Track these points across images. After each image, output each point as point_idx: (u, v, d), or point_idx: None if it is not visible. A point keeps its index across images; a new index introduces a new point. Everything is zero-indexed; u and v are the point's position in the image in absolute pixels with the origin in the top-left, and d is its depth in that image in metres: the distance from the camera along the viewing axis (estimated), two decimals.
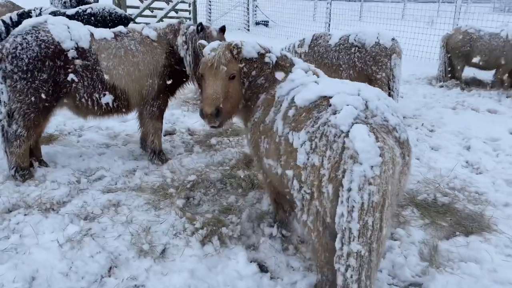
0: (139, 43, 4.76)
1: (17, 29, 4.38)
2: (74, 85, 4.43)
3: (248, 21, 21.26)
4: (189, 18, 21.56)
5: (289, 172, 2.73)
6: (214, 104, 3.38)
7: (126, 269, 3.12)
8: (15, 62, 4.20)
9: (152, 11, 19.25)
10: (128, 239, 3.47)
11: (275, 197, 3.62)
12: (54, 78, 4.33)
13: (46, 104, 4.43)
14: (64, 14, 7.46)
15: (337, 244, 2.44)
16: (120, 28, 4.92)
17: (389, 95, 6.82)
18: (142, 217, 3.78)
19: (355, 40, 7.10)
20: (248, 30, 21.00)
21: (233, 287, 2.97)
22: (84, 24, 7.24)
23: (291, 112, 2.91)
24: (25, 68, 4.21)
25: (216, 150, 5.27)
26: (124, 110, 4.87)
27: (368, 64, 6.91)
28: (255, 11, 22.64)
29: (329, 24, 16.98)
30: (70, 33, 4.42)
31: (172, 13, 20.64)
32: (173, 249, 3.36)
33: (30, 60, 4.21)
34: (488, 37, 9.87)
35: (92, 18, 7.44)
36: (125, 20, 7.70)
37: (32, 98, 4.31)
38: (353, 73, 7.07)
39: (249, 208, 3.85)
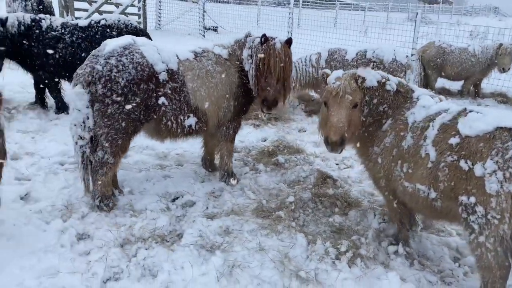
0: (215, 63, 4.69)
1: (105, 51, 4.09)
2: (163, 108, 4.27)
3: (203, 27, 21.10)
4: (139, 23, 20.91)
5: (468, 199, 2.97)
6: (339, 133, 3.54)
7: None
8: (109, 85, 3.95)
9: (101, 15, 18.38)
10: (271, 266, 3.47)
11: (401, 217, 3.84)
12: (146, 101, 4.14)
13: (134, 129, 4.22)
14: (76, 26, 7.00)
15: None
16: (195, 48, 4.80)
17: None
18: (269, 243, 3.78)
19: (373, 56, 7.55)
20: (204, 36, 20.84)
21: None
22: (100, 36, 6.96)
23: (453, 140, 3.15)
24: (120, 91, 3.98)
25: (286, 169, 5.34)
26: (201, 132, 4.77)
27: None
28: (204, 16, 22.51)
29: (291, 33, 17.46)
30: (160, 55, 4.25)
31: None
32: (323, 274, 3.43)
33: (127, 84, 3.99)
34: (459, 52, 10.96)
35: (108, 30, 7.07)
36: (140, 33, 7.40)
37: (123, 124, 4.08)
38: None
39: (373, 229, 4.02)
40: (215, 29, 22.56)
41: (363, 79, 3.69)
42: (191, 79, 4.42)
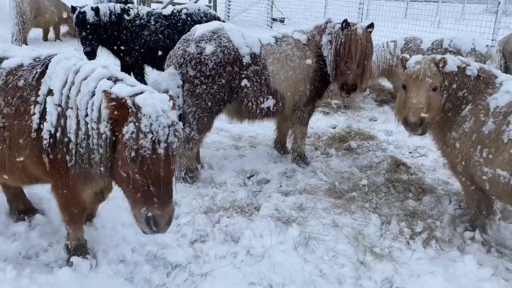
0: (294, 47, 4.86)
1: (195, 35, 4.43)
2: (245, 90, 4.53)
3: (271, 18, 21.30)
4: None
5: None
6: (418, 114, 3.59)
7: (374, 271, 3.28)
8: (198, 67, 4.28)
9: (174, 6, 19.17)
10: (346, 241, 3.63)
11: (478, 203, 3.81)
12: (230, 83, 4.43)
13: (218, 108, 4.53)
14: (160, 14, 7.50)
15: None
16: (275, 33, 5.02)
17: None
18: (343, 220, 3.93)
19: (449, 45, 7.32)
20: (271, 27, 21.00)
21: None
22: (181, 24, 7.37)
23: None
24: (208, 73, 4.29)
25: (358, 154, 5.43)
26: (277, 114, 4.98)
27: None
28: (272, 8, 22.64)
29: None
30: (245, 40, 4.51)
31: None
32: (397, 252, 3.53)
33: (214, 66, 4.29)
34: None
35: (189, 18, 7.49)
36: (218, 20, 7.76)
37: (209, 103, 4.40)
38: None
39: (448, 214, 4.03)
40: (282, 21, 22.65)
41: (445, 64, 3.71)
42: (271, 62, 4.65)
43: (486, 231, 3.84)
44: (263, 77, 4.59)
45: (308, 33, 4.97)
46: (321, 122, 6.89)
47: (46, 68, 2.78)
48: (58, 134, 2.62)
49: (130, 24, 7.35)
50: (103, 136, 2.42)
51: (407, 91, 3.77)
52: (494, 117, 3.49)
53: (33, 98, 2.72)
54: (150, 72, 8.18)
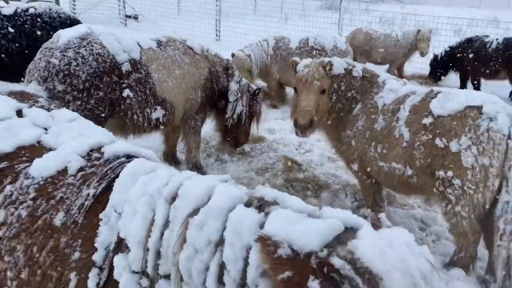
0: (183, 53, 4.53)
1: (59, 42, 3.73)
2: (128, 101, 4.05)
3: (125, 15, 20.08)
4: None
5: (446, 173, 3.23)
6: (308, 117, 3.72)
7: None
8: (68, 80, 3.64)
9: (7, 3, 16.67)
10: None
11: (374, 195, 4.06)
12: (110, 95, 3.89)
13: (99, 125, 3.93)
14: None
15: (501, 225, 3.07)
16: (158, 36, 4.59)
17: None
18: None
19: (314, 43, 7.78)
20: (126, 25, 19.83)
21: None
22: (30, 26, 6.38)
23: (427, 120, 3.39)
24: (81, 87, 3.68)
25: (253, 157, 5.35)
26: (167, 125, 4.59)
27: None
28: (124, 4, 21.41)
29: (219, 21, 17.25)
30: (121, 44, 4.00)
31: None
32: None
33: (88, 77, 3.70)
34: (383, 37, 11.70)
35: (38, 19, 6.45)
36: (75, 22, 6.87)
37: None
38: None
39: (347, 208, 4.19)
40: (136, 18, 21.53)
41: (331, 66, 3.83)
42: (155, 69, 4.23)
43: None
44: (148, 86, 4.15)
45: (207, 53, 4.81)
46: (206, 126, 6.64)
47: (109, 188, 1.47)
48: None
49: None
50: None
51: (298, 94, 3.82)
52: (384, 114, 3.73)
53: (77, 254, 1.38)
54: None
